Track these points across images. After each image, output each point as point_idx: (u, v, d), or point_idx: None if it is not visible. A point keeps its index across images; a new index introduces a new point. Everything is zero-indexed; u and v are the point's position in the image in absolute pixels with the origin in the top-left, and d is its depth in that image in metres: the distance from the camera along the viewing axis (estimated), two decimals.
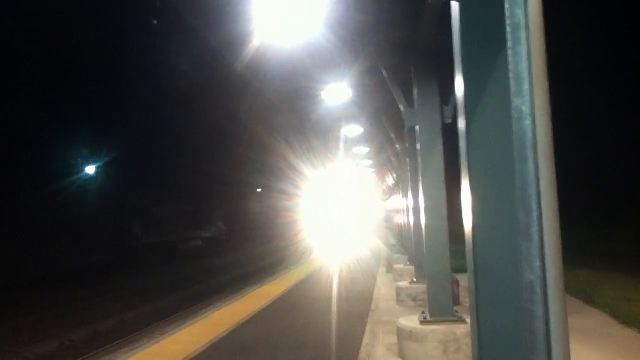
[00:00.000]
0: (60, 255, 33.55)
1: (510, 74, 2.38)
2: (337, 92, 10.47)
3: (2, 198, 32.79)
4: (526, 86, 2.33)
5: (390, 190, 29.02)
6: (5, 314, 17.12)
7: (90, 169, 39.70)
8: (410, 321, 7.35)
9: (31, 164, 35.26)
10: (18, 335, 13.99)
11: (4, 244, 30.99)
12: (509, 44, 2.40)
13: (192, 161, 46.98)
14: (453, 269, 7.75)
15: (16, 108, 34.74)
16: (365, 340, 8.55)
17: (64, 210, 36.33)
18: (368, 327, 9.54)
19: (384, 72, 8.24)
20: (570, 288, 10.87)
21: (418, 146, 7.66)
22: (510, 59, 2.37)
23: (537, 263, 2.35)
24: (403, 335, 7.15)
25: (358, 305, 11.97)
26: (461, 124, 3.00)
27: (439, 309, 7.28)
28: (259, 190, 63.41)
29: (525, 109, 2.34)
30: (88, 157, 39.11)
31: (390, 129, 13.00)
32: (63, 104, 38.35)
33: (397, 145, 13.62)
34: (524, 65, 2.33)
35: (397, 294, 11.67)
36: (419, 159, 7.67)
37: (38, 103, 37.62)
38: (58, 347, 12.73)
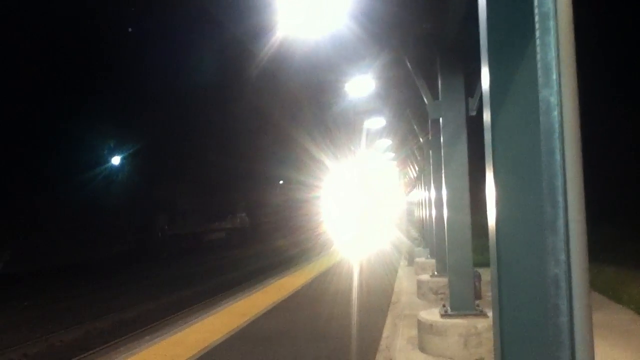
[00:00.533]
0: (86, 246, 34.16)
1: (539, 65, 2.34)
2: (361, 85, 10.43)
3: (30, 189, 33.49)
4: (554, 77, 2.29)
5: (413, 184, 28.85)
6: (32, 303, 17.52)
7: (116, 160, 40.28)
8: (431, 314, 7.32)
9: (58, 155, 35.92)
10: (45, 324, 14.30)
11: (31, 234, 31.67)
12: (537, 33, 2.35)
13: (216, 153, 47.32)
14: (475, 263, 7.69)
15: (43, 100, 35.38)
16: (385, 333, 8.54)
17: (90, 201, 36.97)
18: (389, 320, 9.53)
19: (408, 65, 8.18)
20: (597, 284, 10.70)
21: (442, 139, 7.60)
22: (538, 49, 2.33)
23: (563, 257, 2.32)
24: (424, 328, 7.13)
25: (379, 298, 11.96)
26: (487, 116, 2.96)
27: (461, 302, 7.23)
28: (281, 182, 63.61)
29: (554, 100, 2.30)
30: (114, 149, 39.71)
31: (414, 122, 12.92)
32: (90, 96, 38.93)
33: (420, 138, 13.54)
34: (552, 55, 2.29)
35: (419, 287, 11.63)
36: (443, 152, 7.62)
37: (65, 95, 38.25)
38: (84, 334, 12.98)
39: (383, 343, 7.92)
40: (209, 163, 46.34)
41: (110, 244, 37.17)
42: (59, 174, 35.37)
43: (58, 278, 24.28)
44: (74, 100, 38.27)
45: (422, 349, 7.15)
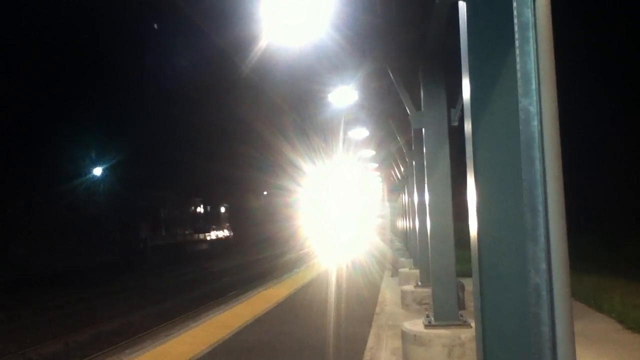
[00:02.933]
0: (68, 255, 33.67)
1: (519, 74, 2.36)
2: (344, 95, 10.45)
3: (12, 197, 33.00)
4: (534, 86, 2.31)
5: (396, 194, 28.94)
6: (12, 313, 17.18)
7: (97, 171, 39.88)
8: (415, 325, 7.31)
9: (40, 165, 35.48)
10: (24, 335, 14.03)
11: (13, 242, 31.18)
12: (517, 43, 2.38)
13: (199, 163, 47.13)
14: (459, 274, 7.70)
15: (25, 109, 34.98)
16: (369, 344, 8.51)
17: (72, 211, 36.52)
18: (373, 331, 9.50)
19: (391, 75, 8.22)
20: (578, 293, 10.78)
21: (424, 149, 7.63)
22: (518, 58, 2.35)
23: (544, 266, 2.33)
24: (408, 339, 7.11)
25: (363, 309, 11.92)
26: (468, 125, 2.98)
27: (444, 313, 7.23)
28: (265, 193, 63.48)
29: (533, 109, 2.31)
30: (95, 159, 39.32)
31: (397, 132, 12.96)
32: (71, 107, 38.58)
33: (403, 149, 13.59)
34: (532, 65, 2.31)
35: (402, 298, 11.62)
36: (425, 162, 7.64)
37: (47, 105, 37.86)
38: (63, 347, 12.75)
39: (367, 354, 7.89)
40: (191, 173, 46.12)
41: (91, 254, 36.68)
42: (40, 184, 34.93)
43: (38, 288, 23.85)
44: (55, 111, 37.92)
45: (407, 359, 7.12)
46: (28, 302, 19.68)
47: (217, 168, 47.53)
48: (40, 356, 11.96)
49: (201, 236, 46.52)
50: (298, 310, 12.16)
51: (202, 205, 47.48)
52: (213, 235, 48.73)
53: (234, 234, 52.88)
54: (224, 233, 50.92)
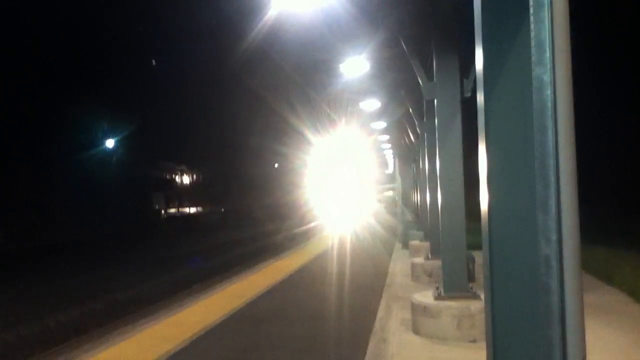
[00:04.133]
0: (81, 226, 34.15)
1: (532, 42, 2.30)
2: (355, 65, 10.34)
3: (25, 169, 33.36)
4: (548, 55, 2.26)
5: (407, 166, 28.82)
6: (29, 281, 17.53)
7: (110, 142, 40.10)
8: (425, 297, 7.35)
9: (54, 135, 35.69)
10: (41, 303, 14.32)
11: (27, 214, 31.62)
12: (531, 10, 2.32)
13: (212, 134, 47.19)
14: (469, 246, 7.71)
15: (36, 81, 35.07)
16: (379, 315, 8.59)
17: (87, 182, 36.90)
18: (383, 302, 9.57)
19: (403, 45, 8.11)
20: (588, 266, 10.76)
21: (436, 120, 7.56)
22: (532, 26, 2.30)
23: (554, 237, 2.31)
24: (417, 310, 7.16)
25: (374, 281, 12.01)
26: (480, 95, 2.94)
27: (454, 284, 7.25)
28: (276, 165, 63.58)
29: (547, 78, 2.27)
30: (108, 131, 39.48)
31: (409, 103, 12.85)
32: (84, 78, 38.60)
33: (415, 120, 13.48)
34: (546, 32, 2.25)
35: (413, 270, 11.67)
36: (437, 134, 7.58)
37: (59, 77, 37.92)
38: (79, 315, 13.00)
39: (377, 324, 7.96)
40: (206, 144, 46.23)
41: (106, 224, 37.16)
42: (55, 155, 35.22)
43: (54, 258, 24.29)
44: (68, 82, 37.97)
45: (416, 330, 7.19)
46: (45, 270, 20.06)
47: (229, 138, 47.56)
48: (57, 323, 12.21)
49: (215, 206, 46.86)
50: (310, 281, 12.27)
51: (215, 177, 47.72)
52: (226, 206, 49.07)
53: (244, 206, 53.18)
54: (236, 204, 51.24)
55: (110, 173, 39.56)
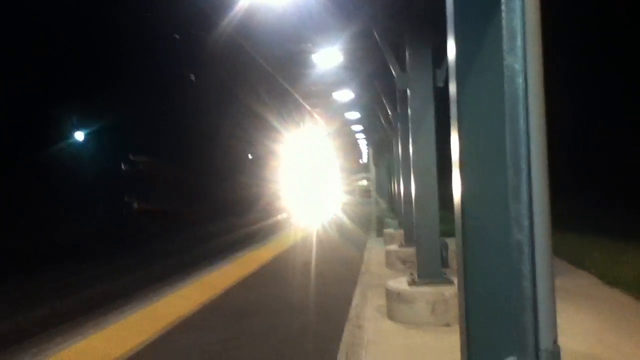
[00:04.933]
0: (53, 224, 33.47)
1: (504, 31, 2.34)
2: (328, 56, 10.34)
3: None
4: (519, 43, 2.30)
5: (382, 156, 29.01)
6: None
7: (79, 136, 39.31)
8: (399, 283, 7.45)
9: (18, 128, 34.82)
10: (11, 301, 14.06)
11: None
12: None
13: (183, 128, 46.64)
14: (442, 233, 7.82)
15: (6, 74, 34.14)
16: (355, 302, 8.66)
17: (55, 177, 36.12)
18: (358, 290, 9.65)
19: (376, 36, 8.13)
20: (561, 251, 11.01)
21: (409, 110, 7.63)
22: (503, 14, 2.33)
23: (526, 223, 2.36)
24: (392, 297, 7.25)
25: (348, 269, 12.09)
26: (452, 85, 2.97)
27: (428, 271, 7.36)
28: (250, 156, 63.20)
29: (518, 67, 2.31)
30: (78, 124, 38.70)
31: (383, 94, 12.92)
32: (52, 70, 37.71)
33: (388, 111, 13.56)
34: (518, 21, 2.29)
35: (387, 257, 11.79)
36: (410, 124, 7.65)
37: (25, 67, 36.98)
38: (50, 312, 12.80)
39: (352, 312, 8.03)
40: (176, 138, 45.68)
41: (78, 222, 36.50)
42: (23, 150, 34.35)
43: (23, 258, 23.77)
44: (35, 73, 37.02)
45: (391, 317, 7.28)
46: (13, 272, 19.63)
47: (200, 132, 47.09)
48: (28, 320, 12.01)
49: (188, 201, 46.36)
50: (284, 271, 12.30)
51: (188, 171, 47.22)
52: (199, 201, 48.55)
53: (219, 199, 52.77)
54: (212, 197, 50.74)
55: (80, 168, 38.83)
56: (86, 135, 39.68)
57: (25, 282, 16.60)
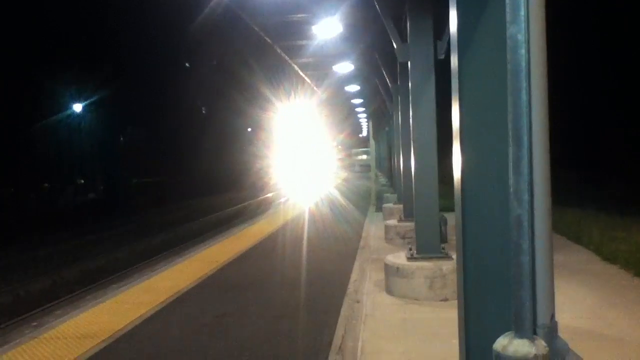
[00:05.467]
0: (50, 195, 33.54)
1: (507, 1, 2.26)
2: (328, 27, 10.17)
3: None
4: (522, 13, 2.22)
5: (382, 130, 28.88)
6: None
7: (77, 107, 39.05)
8: (398, 258, 7.45)
9: (18, 100, 34.56)
10: (11, 274, 14.13)
11: None
12: None
13: (178, 101, 46.30)
14: (441, 208, 7.79)
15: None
16: (353, 277, 8.68)
17: (54, 148, 36.07)
18: (356, 264, 9.67)
19: (377, 6, 7.98)
20: (559, 227, 11.02)
21: (410, 83, 7.52)
22: None
23: (526, 197, 2.32)
24: (390, 271, 7.26)
25: (347, 243, 12.11)
26: (454, 56, 2.90)
27: (426, 246, 7.36)
28: (249, 130, 62.87)
29: (521, 37, 2.23)
30: (76, 96, 38.40)
31: (383, 66, 12.77)
32: (50, 41, 37.26)
33: (389, 83, 13.42)
34: None
35: (386, 232, 11.80)
36: (411, 97, 7.56)
37: (23, 38, 36.53)
38: (51, 284, 12.87)
39: (351, 287, 8.05)
40: (171, 110, 45.36)
41: (75, 193, 36.55)
42: (19, 121, 34.12)
43: (23, 228, 23.84)
44: (32, 45, 36.59)
45: (389, 291, 7.30)
46: (13, 242, 19.71)
47: (194, 105, 46.68)
48: (28, 293, 12.07)
49: (183, 173, 46.23)
50: (283, 245, 12.31)
51: (184, 143, 47.01)
52: (195, 173, 48.38)
53: (216, 171, 52.60)
54: (206, 170, 50.56)
55: (78, 139, 38.72)
56: (84, 107, 39.39)
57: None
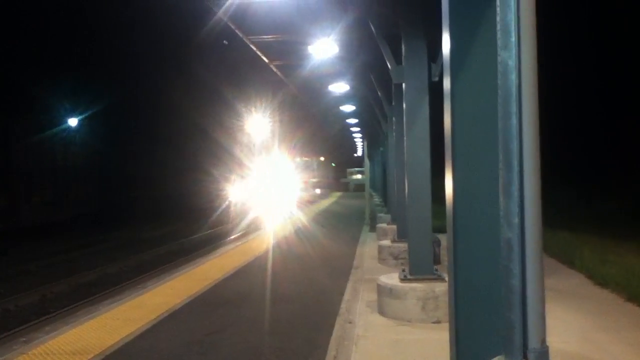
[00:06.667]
0: (45, 207, 33.35)
1: (498, 26, 2.30)
2: (324, 47, 10.25)
3: None
4: (513, 39, 2.26)
5: (376, 150, 28.98)
6: None
7: (73, 122, 39.02)
8: (391, 279, 7.43)
9: (17, 113, 34.53)
10: (0, 287, 13.99)
11: None
12: None
13: (172, 116, 46.25)
14: (435, 229, 7.80)
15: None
16: (346, 297, 8.65)
17: (50, 162, 35.98)
18: (349, 284, 9.64)
19: (372, 27, 8.08)
20: (550, 249, 11.03)
21: (404, 104, 7.58)
22: (498, 9, 2.29)
23: (516, 221, 2.33)
24: (383, 292, 7.24)
25: (341, 263, 12.07)
26: (447, 79, 2.95)
27: (420, 267, 7.35)
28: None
29: (512, 63, 2.27)
30: (71, 110, 38.41)
31: (378, 87, 12.86)
32: (46, 54, 37.43)
33: (384, 104, 13.51)
34: (512, 16, 2.25)
35: (380, 253, 11.78)
36: (405, 117, 7.61)
37: (19, 52, 36.67)
38: (40, 299, 12.74)
39: (343, 306, 8.02)
40: (166, 125, 45.26)
41: (69, 206, 36.30)
42: (18, 134, 34.04)
43: (15, 240, 23.68)
44: (29, 58, 36.74)
45: (382, 312, 7.27)
46: (4, 254, 19.57)
47: (189, 119, 46.38)
48: (18, 307, 11.95)
49: (180, 188, 45.77)
50: (277, 264, 12.26)
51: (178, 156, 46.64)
52: (193, 187, 47.89)
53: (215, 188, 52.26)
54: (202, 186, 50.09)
55: (73, 153, 38.62)
56: (80, 121, 39.28)
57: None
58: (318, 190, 51.57)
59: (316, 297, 8.89)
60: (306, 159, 50.24)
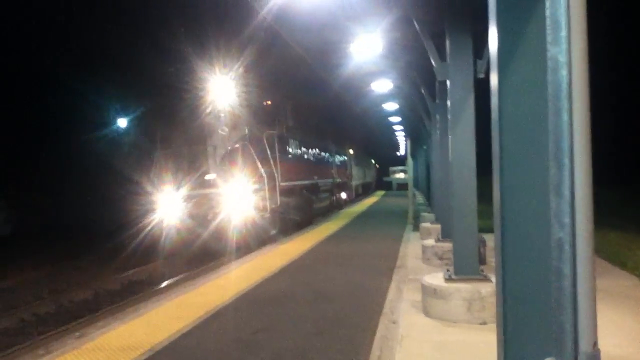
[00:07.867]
0: (92, 207, 34.35)
1: (548, 21, 2.24)
2: (367, 45, 10.22)
3: (34, 148, 33.34)
4: (564, 34, 2.20)
5: (420, 148, 28.73)
6: (33, 263, 17.74)
7: (122, 122, 40.01)
8: (435, 279, 7.35)
9: (62, 113, 35.63)
10: (52, 284, 14.53)
11: (34, 194, 31.68)
12: None
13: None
14: (480, 229, 7.67)
15: (45, 55, 34.98)
16: (389, 297, 8.60)
17: (97, 162, 37.04)
18: (393, 284, 9.59)
19: (416, 24, 8.00)
20: (601, 250, 10.69)
21: (449, 102, 7.48)
22: (547, 4, 2.24)
23: (567, 220, 2.27)
24: (428, 292, 7.17)
25: (384, 262, 12.01)
26: (494, 76, 2.89)
27: (465, 267, 7.25)
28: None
29: (562, 58, 2.21)
30: (120, 110, 39.43)
31: (421, 85, 12.74)
32: (94, 54, 38.55)
33: (427, 102, 13.38)
34: (562, 11, 2.19)
35: (423, 252, 11.66)
36: (449, 115, 7.51)
37: (68, 51, 37.84)
38: (93, 295, 13.18)
39: (387, 306, 7.99)
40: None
41: (118, 206, 37.23)
42: (63, 134, 35.13)
43: (62, 239, 24.55)
44: (78, 58, 37.93)
45: (426, 312, 7.20)
46: (53, 252, 20.30)
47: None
48: (72, 302, 12.39)
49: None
50: (320, 263, 12.30)
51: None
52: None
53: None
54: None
55: (122, 153, 39.59)
56: (129, 121, 40.19)
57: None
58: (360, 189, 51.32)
59: (360, 296, 8.87)
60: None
